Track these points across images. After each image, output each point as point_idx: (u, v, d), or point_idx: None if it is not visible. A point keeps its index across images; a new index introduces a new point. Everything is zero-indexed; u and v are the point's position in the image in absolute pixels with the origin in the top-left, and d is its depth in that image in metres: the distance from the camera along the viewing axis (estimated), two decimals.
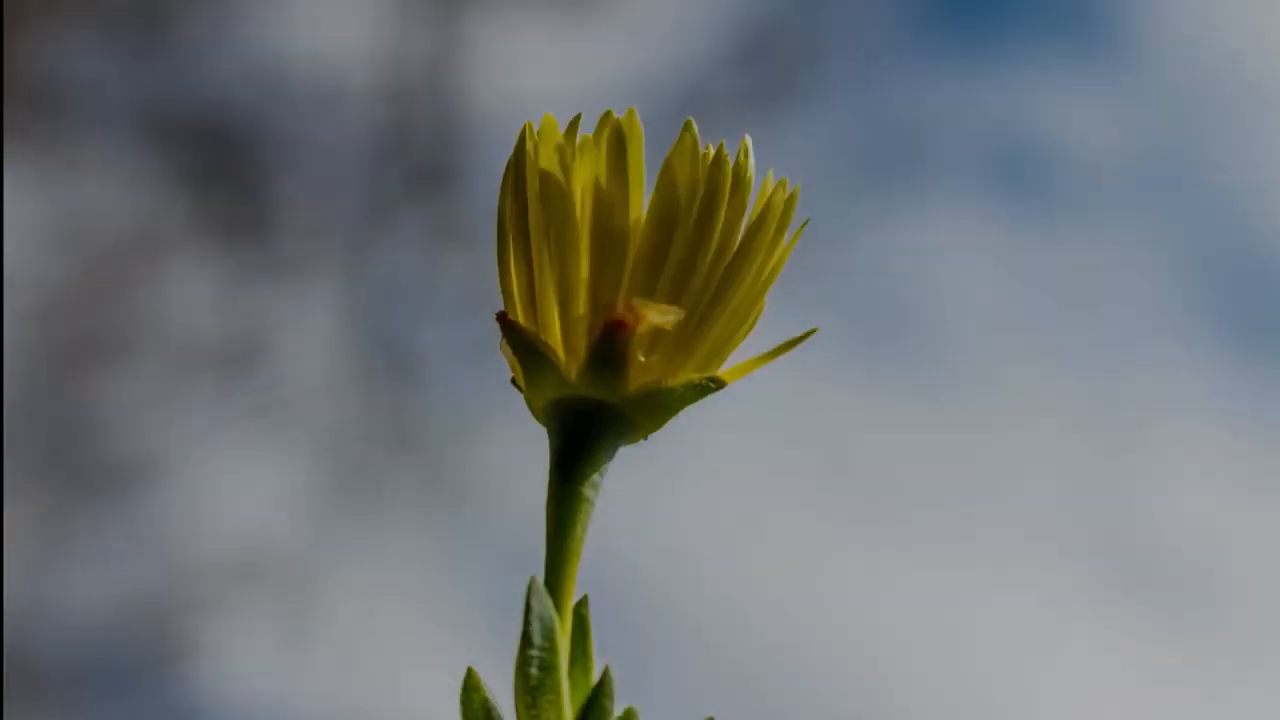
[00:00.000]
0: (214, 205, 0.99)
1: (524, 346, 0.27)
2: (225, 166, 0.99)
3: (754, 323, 0.29)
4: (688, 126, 0.27)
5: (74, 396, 0.99)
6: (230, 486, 0.99)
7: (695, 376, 0.27)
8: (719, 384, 0.28)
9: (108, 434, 0.99)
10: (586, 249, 0.27)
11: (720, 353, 0.28)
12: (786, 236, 0.28)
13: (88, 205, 0.99)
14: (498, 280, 0.28)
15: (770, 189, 0.28)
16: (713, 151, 0.27)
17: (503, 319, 0.28)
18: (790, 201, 0.28)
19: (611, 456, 0.28)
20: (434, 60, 0.98)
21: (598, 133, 0.27)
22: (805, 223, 0.29)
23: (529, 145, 0.28)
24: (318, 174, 0.97)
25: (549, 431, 0.28)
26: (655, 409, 0.27)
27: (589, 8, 0.99)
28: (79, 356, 0.99)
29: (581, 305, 0.27)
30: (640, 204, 0.27)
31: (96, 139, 1.00)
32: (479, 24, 1.01)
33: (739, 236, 0.28)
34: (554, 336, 0.27)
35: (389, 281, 0.94)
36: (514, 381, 0.29)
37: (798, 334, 0.29)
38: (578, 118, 0.28)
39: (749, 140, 0.28)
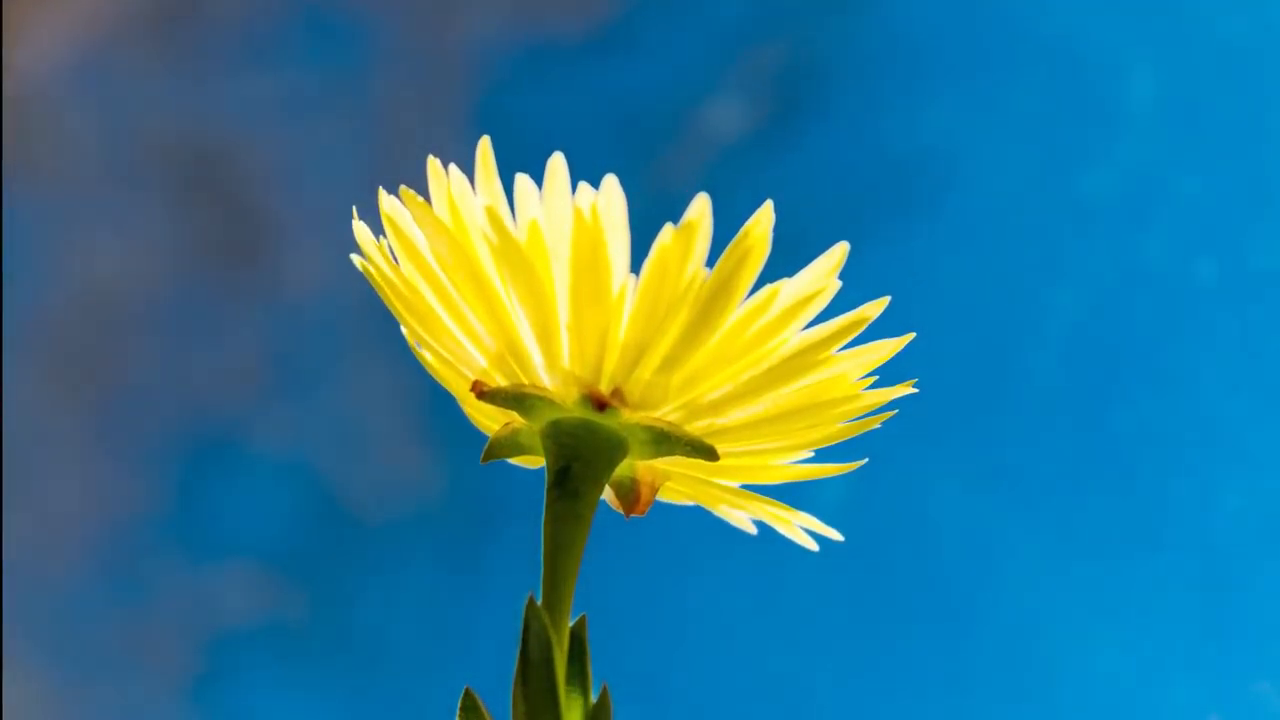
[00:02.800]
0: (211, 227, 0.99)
1: (514, 400, 0.27)
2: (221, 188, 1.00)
3: (810, 441, 0.28)
4: (700, 205, 0.25)
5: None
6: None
7: (693, 433, 0.27)
8: (711, 455, 0.27)
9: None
10: (569, 295, 0.26)
11: (739, 437, 0.27)
12: (866, 371, 0.27)
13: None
14: (434, 350, 0.28)
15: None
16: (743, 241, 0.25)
17: (480, 391, 0.27)
18: (850, 326, 0.26)
19: (609, 475, 0.28)
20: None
21: (551, 184, 0.26)
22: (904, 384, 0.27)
23: (433, 203, 0.26)
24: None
25: (546, 452, 0.27)
26: (649, 438, 0.27)
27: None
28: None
29: (566, 352, 0.26)
30: (622, 259, 0.26)
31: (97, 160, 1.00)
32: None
33: (765, 339, 0.26)
34: (538, 379, 0.27)
35: None
36: (485, 459, 0.28)
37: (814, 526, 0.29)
38: (486, 148, 0.27)
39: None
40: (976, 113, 0.93)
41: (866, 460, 0.28)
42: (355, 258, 0.28)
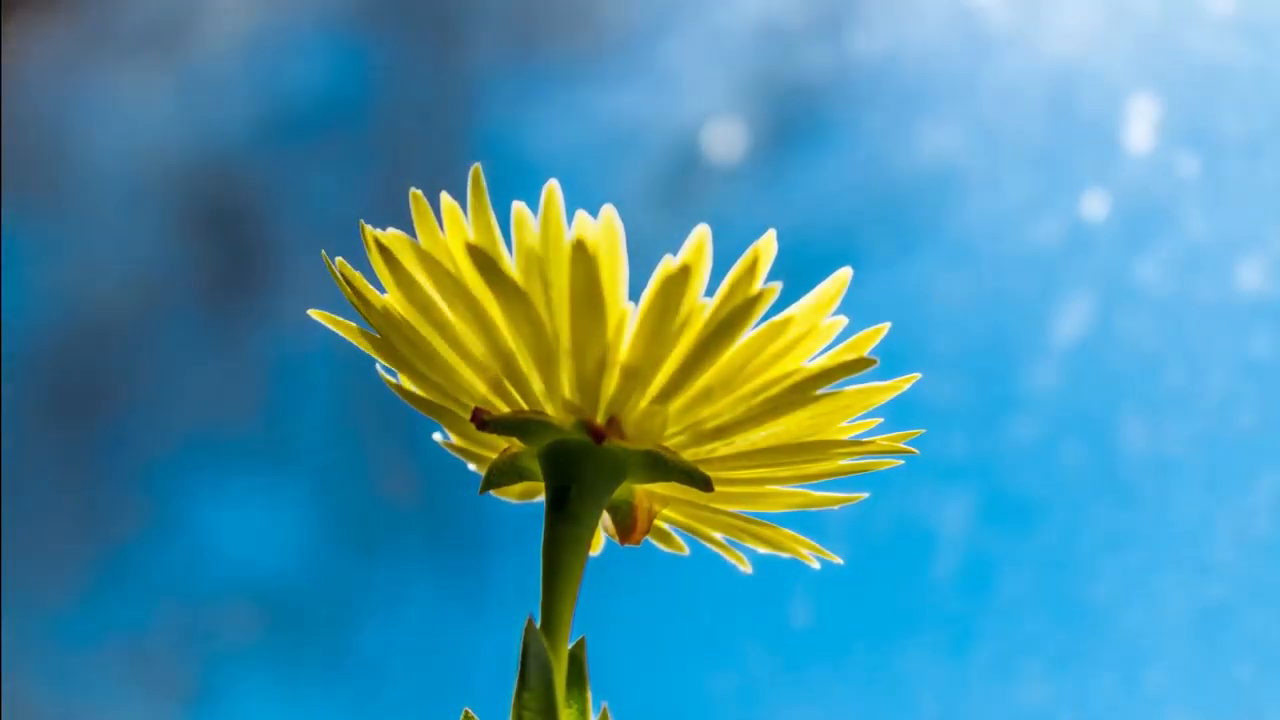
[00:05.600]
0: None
1: (514, 426, 0.27)
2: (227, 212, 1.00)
3: (813, 475, 0.27)
4: (699, 237, 0.25)
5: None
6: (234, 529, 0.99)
7: (689, 462, 0.27)
8: (705, 486, 0.26)
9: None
10: (567, 327, 0.26)
11: (741, 464, 0.27)
12: (869, 408, 0.27)
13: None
14: (428, 380, 0.27)
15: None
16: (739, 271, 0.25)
17: (480, 420, 0.27)
18: (849, 366, 0.26)
19: (608, 497, 0.27)
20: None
21: (546, 215, 0.25)
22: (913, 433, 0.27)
23: (418, 237, 0.26)
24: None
25: (544, 474, 0.27)
26: (646, 461, 0.27)
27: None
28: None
29: (565, 380, 0.26)
30: (620, 291, 0.25)
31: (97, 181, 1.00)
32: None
33: (769, 370, 0.26)
34: (538, 404, 0.27)
35: None
36: (485, 488, 0.28)
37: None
38: (478, 176, 0.26)
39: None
40: (976, 138, 0.93)
41: (868, 495, 0.28)
42: (313, 312, 0.28)
